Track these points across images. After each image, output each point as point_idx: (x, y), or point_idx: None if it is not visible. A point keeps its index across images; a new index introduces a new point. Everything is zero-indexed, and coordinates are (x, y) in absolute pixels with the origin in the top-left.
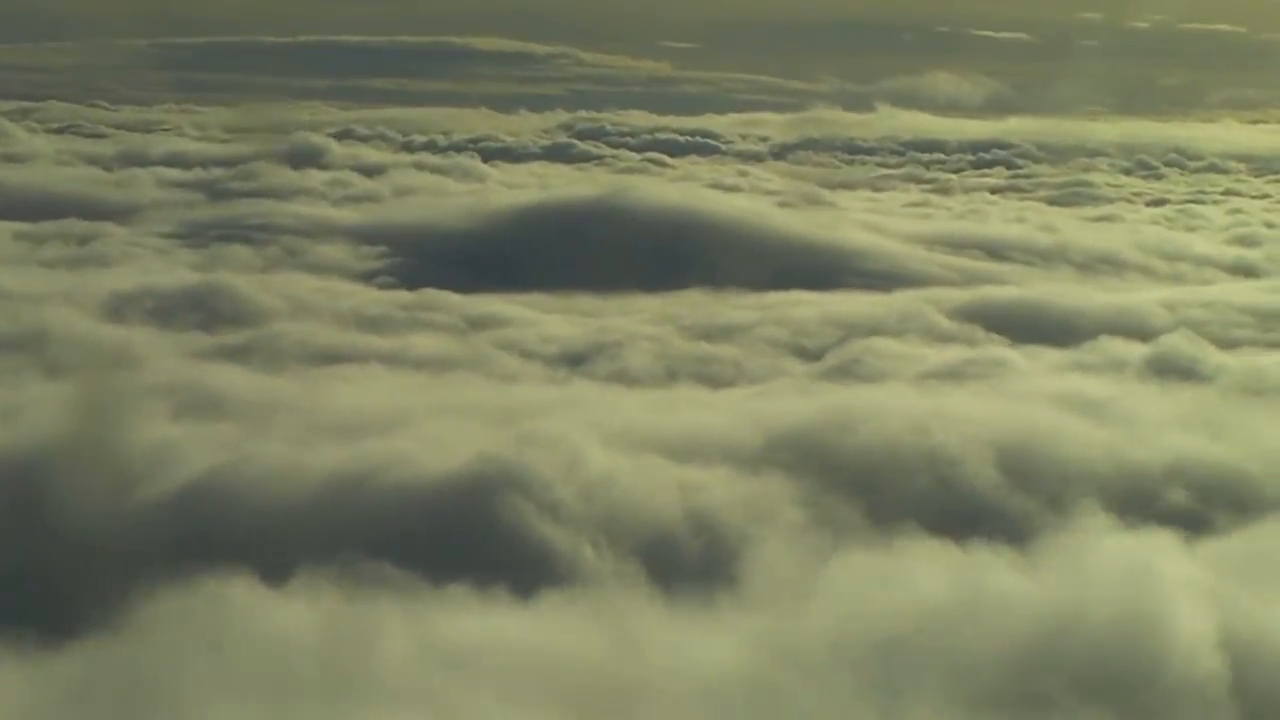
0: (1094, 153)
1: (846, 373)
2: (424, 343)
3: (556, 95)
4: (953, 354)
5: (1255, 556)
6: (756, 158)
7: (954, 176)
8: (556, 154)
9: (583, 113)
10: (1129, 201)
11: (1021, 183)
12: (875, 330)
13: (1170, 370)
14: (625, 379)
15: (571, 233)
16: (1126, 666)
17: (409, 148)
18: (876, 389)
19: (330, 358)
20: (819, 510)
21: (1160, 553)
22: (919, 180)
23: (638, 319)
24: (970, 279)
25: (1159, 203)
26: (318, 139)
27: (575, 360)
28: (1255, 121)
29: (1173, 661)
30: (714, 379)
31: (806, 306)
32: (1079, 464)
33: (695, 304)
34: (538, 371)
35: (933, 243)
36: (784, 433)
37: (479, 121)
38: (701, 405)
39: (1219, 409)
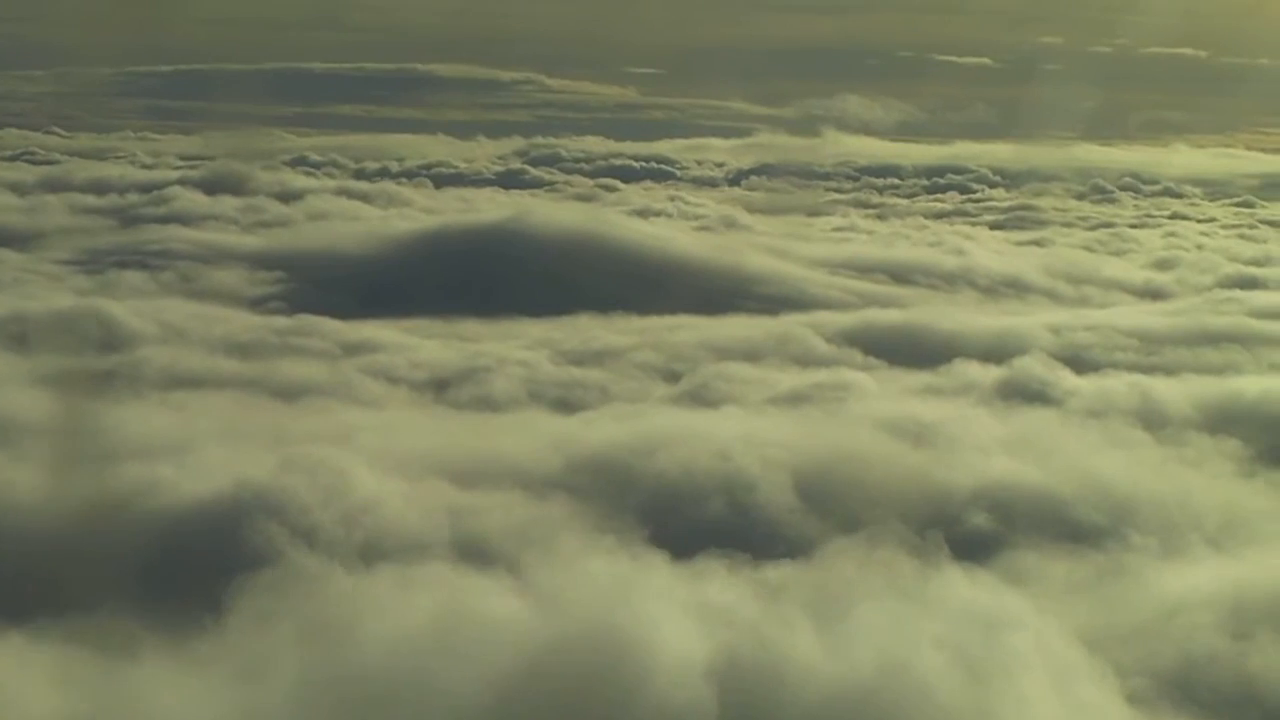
0: (1049, 177)
1: (697, 397)
2: (289, 369)
3: (522, 121)
4: (804, 378)
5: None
6: (711, 183)
7: (904, 201)
8: (509, 180)
9: (539, 139)
10: (1070, 226)
11: (970, 207)
12: (752, 354)
13: (1020, 393)
14: (488, 405)
15: (467, 258)
16: (603, 694)
17: (361, 174)
18: (706, 413)
19: (190, 383)
20: (593, 534)
21: (651, 573)
22: (867, 205)
23: (516, 344)
24: (868, 302)
25: (1106, 225)
26: (242, 166)
27: (441, 386)
28: (1222, 145)
29: (650, 689)
30: (575, 404)
31: (687, 331)
32: (880, 487)
33: (578, 329)
34: (402, 396)
35: (839, 267)
36: (587, 457)
37: (436, 148)
38: (522, 430)
39: (1052, 432)
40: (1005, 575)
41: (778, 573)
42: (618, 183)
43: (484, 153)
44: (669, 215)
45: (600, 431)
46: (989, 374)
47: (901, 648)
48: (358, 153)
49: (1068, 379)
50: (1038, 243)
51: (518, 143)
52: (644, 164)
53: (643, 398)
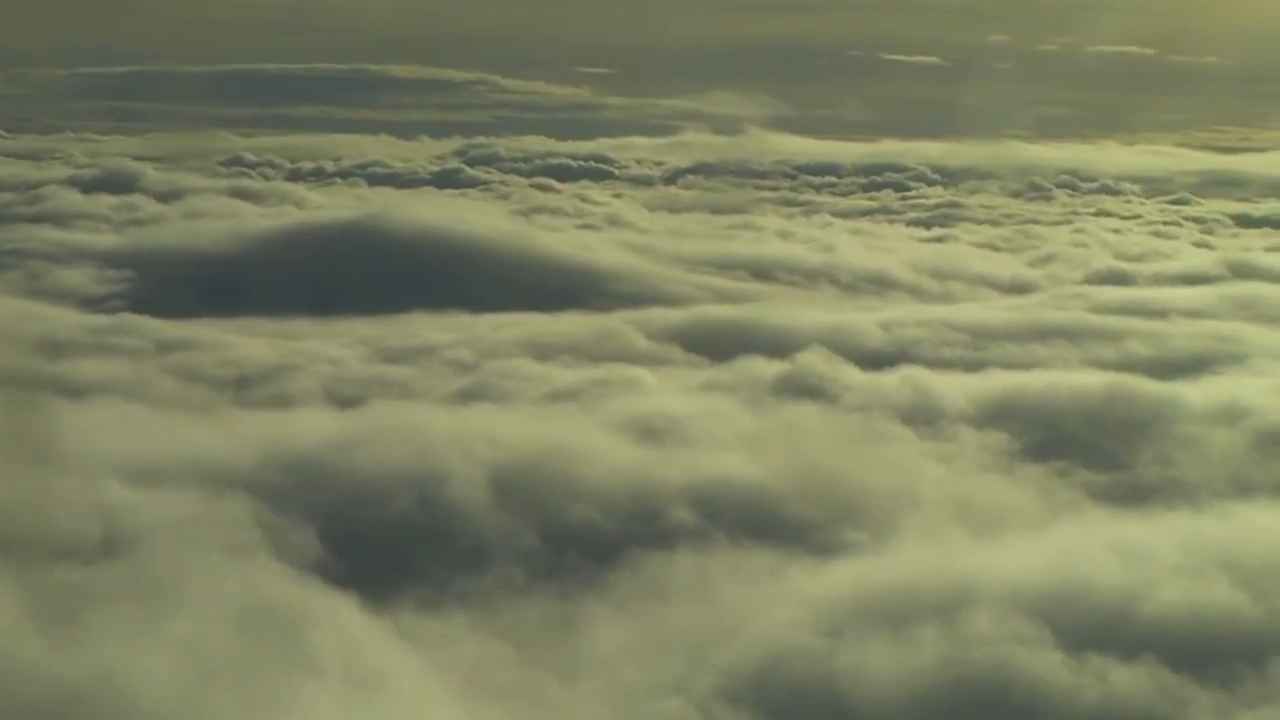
0: (987, 175)
1: (474, 394)
2: (90, 368)
3: (475, 122)
4: (587, 374)
5: None
6: (647, 182)
7: (831, 199)
8: (445, 180)
9: (480, 139)
10: (990, 224)
11: (897, 204)
12: (567, 351)
13: (796, 389)
14: (281, 403)
15: (317, 256)
16: None
17: (297, 174)
18: (444, 409)
19: None
20: (250, 531)
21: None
22: (793, 203)
23: (338, 342)
24: (721, 298)
25: (1032, 222)
26: (133, 164)
27: (242, 384)
28: (1168, 143)
29: None
30: (365, 400)
31: (514, 328)
32: (593, 484)
33: (407, 326)
34: (199, 395)
35: (702, 265)
36: (289, 454)
37: (376, 148)
38: (256, 425)
39: (810, 427)
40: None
41: None
42: (554, 182)
43: (425, 153)
44: (565, 214)
45: (317, 427)
46: (771, 369)
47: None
48: (297, 153)
49: (848, 374)
50: (939, 239)
51: (458, 143)
52: (582, 163)
53: (436, 394)
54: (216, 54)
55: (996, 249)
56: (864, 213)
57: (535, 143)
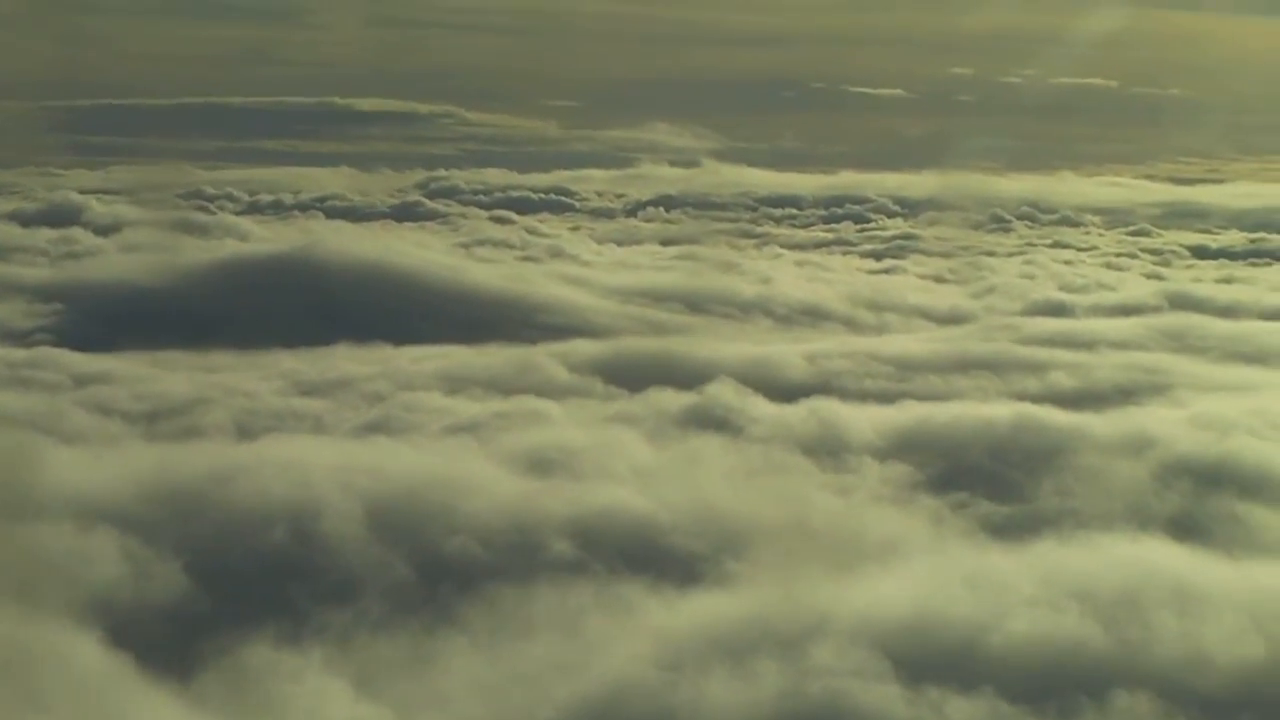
0: (948, 206)
1: (378, 427)
2: (7, 401)
3: (443, 154)
4: (490, 406)
5: None
6: (609, 215)
7: (786, 231)
8: (404, 213)
9: (441, 171)
10: (943, 255)
11: (853, 236)
12: (490, 382)
13: (703, 421)
14: (191, 435)
15: (249, 289)
16: None
17: (255, 208)
18: (339, 443)
19: None
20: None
21: None
22: (750, 235)
23: (256, 375)
24: (652, 330)
25: (987, 254)
26: (78, 197)
27: (154, 418)
28: (1131, 175)
29: None
30: (269, 433)
31: (435, 360)
32: (474, 517)
33: (329, 359)
34: (111, 429)
35: (636, 296)
36: (164, 487)
37: (337, 181)
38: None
39: (710, 459)
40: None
41: None
42: (513, 215)
43: (386, 186)
44: (510, 246)
45: (204, 460)
46: (680, 401)
47: None
48: (257, 186)
49: (756, 406)
50: (890, 271)
51: (419, 175)
52: (543, 196)
53: (343, 426)
54: (183, 87)
55: (943, 281)
56: (819, 244)
57: (496, 176)
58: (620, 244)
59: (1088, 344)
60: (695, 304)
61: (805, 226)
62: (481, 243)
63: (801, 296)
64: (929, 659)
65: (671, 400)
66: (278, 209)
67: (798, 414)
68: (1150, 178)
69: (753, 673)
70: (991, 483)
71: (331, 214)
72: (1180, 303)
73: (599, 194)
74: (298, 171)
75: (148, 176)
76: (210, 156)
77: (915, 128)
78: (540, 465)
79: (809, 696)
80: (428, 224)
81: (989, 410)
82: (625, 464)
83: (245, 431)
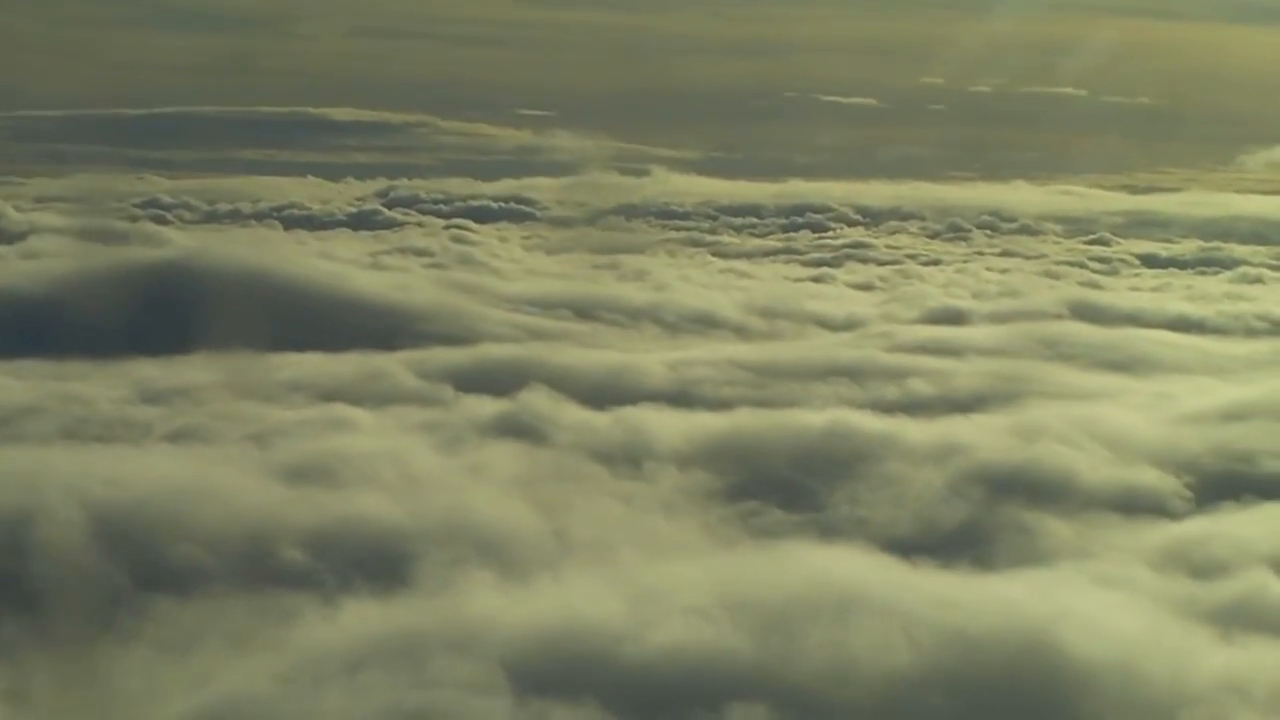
0: (909, 215)
1: (181, 435)
2: None
3: (416, 164)
4: (303, 414)
5: None
6: (568, 223)
7: (735, 239)
8: (361, 221)
9: (402, 180)
10: (885, 263)
11: (801, 245)
12: (333, 391)
13: (513, 428)
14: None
15: (123, 296)
16: None
17: (214, 216)
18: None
19: None
20: None
21: None
22: (700, 243)
23: (108, 383)
24: (532, 336)
25: (934, 263)
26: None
27: None
28: (1093, 185)
29: None
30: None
31: (290, 368)
32: (207, 525)
33: (185, 366)
34: None
35: (526, 303)
36: None
37: (301, 189)
38: None
39: (496, 468)
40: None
41: None
42: (471, 223)
43: (349, 194)
44: (432, 254)
45: None
46: (493, 408)
47: None
48: (218, 195)
49: (569, 413)
50: (819, 279)
51: (381, 184)
52: (503, 205)
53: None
54: (158, 97)
55: (869, 289)
56: (768, 253)
57: (458, 185)
58: (576, 253)
59: (958, 351)
60: (584, 311)
61: (764, 235)
62: (403, 251)
63: (696, 304)
64: (554, 670)
65: (487, 407)
66: (235, 218)
67: (605, 422)
68: (1115, 187)
69: (362, 686)
70: (787, 491)
71: (289, 223)
72: (1079, 310)
73: (560, 203)
74: (262, 181)
75: (105, 185)
76: (183, 165)
77: (885, 137)
78: (307, 474)
79: (408, 710)
80: (383, 233)
81: (804, 417)
82: (401, 472)
83: (73, 439)
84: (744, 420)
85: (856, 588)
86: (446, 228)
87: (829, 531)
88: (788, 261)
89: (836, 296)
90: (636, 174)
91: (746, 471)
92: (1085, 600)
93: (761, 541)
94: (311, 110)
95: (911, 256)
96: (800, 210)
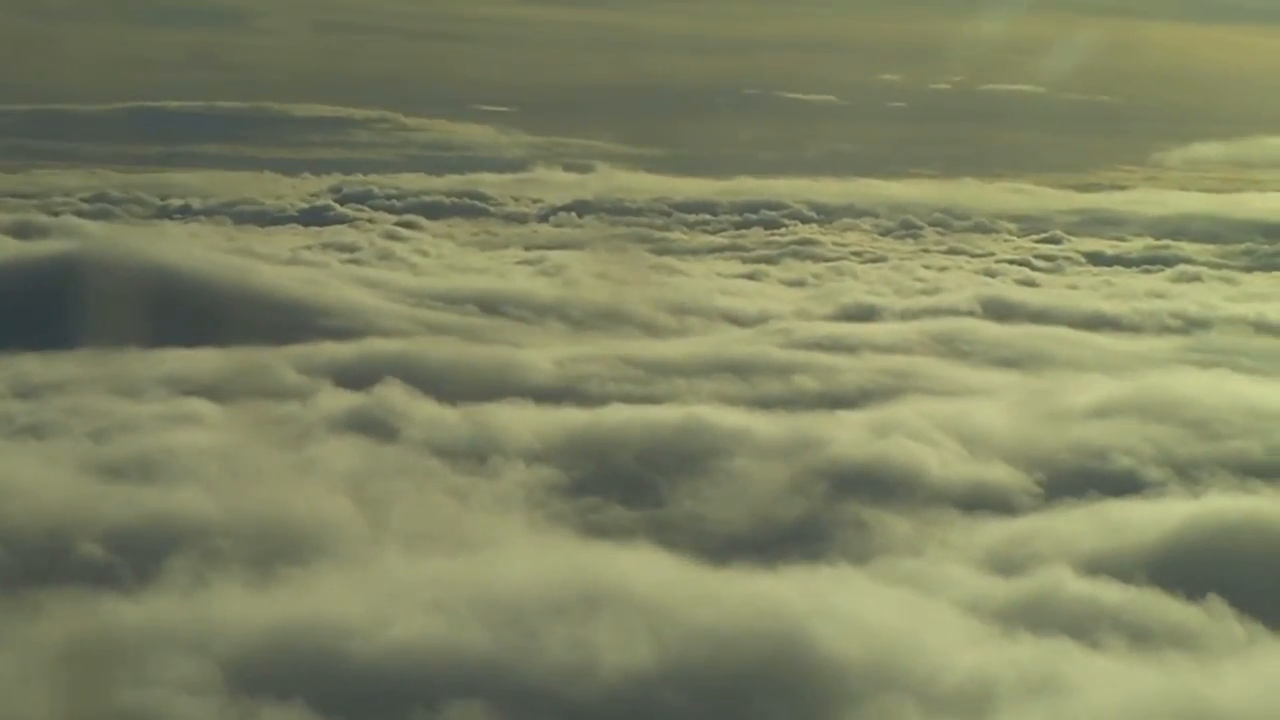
0: (863, 213)
1: (31, 430)
2: None
3: (377, 159)
4: (157, 409)
5: None
6: (521, 220)
7: (685, 237)
8: (312, 217)
9: (357, 176)
10: (817, 260)
11: (747, 243)
12: (203, 388)
13: (362, 423)
14: None
15: (13, 289)
16: None
17: (164, 212)
18: None
19: None
20: None
21: None
22: (647, 240)
23: None
24: (435, 331)
25: (878, 260)
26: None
27: None
28: (1065, 182)
29: None
30: None
31: (171, 363)
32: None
33: (66, 362)
34: None
35: (431, 299)
36: None
37: (256, 184)
38: None
39: (330, 463)
40: None
41: None
42: (422, 219)
43: (304, 189)
44: (358, 249)
45: None
46: (347, 401)
47: None
48: (170, 190)
49: (421, 409)
50: (752, 276)
51: (336, 179)
52: (456, 200)
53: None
54: (119, 92)
55: (801, 285)
56: (715, 249)
57: (413, 180)
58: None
59: (853, 348)
60: (491, 307)
61: (716, 232)
62: (329, 246)
63: (603, 300)
64: (274, 669)
65: (344, 402)
66: (185, 214)
67: (456, 417)
68: (1069, 185)
69: (76, 683)
70: (630, 487)
71: (239, 218)
72: (993, 308)
73: (515, 199)
74: (216, 176)
75: (60, 180)
76: (140, 161)
77: (845, 134)
78: (130, 469)
79: (106, 709)
80: (335, 227)
81: (661, 414)
82: (228, 468)
83: None
84: (601, 416)
85: (619, 585)
86: (397, 223)
87: (663, 528)
88: (730, 258)
89: (758, 293)
90: (595, 170)
91: (594, 467)
92: (859, 598)
93: (591, 538)
94: (273, 106)
95: (857, 254)
96: (754, 207)
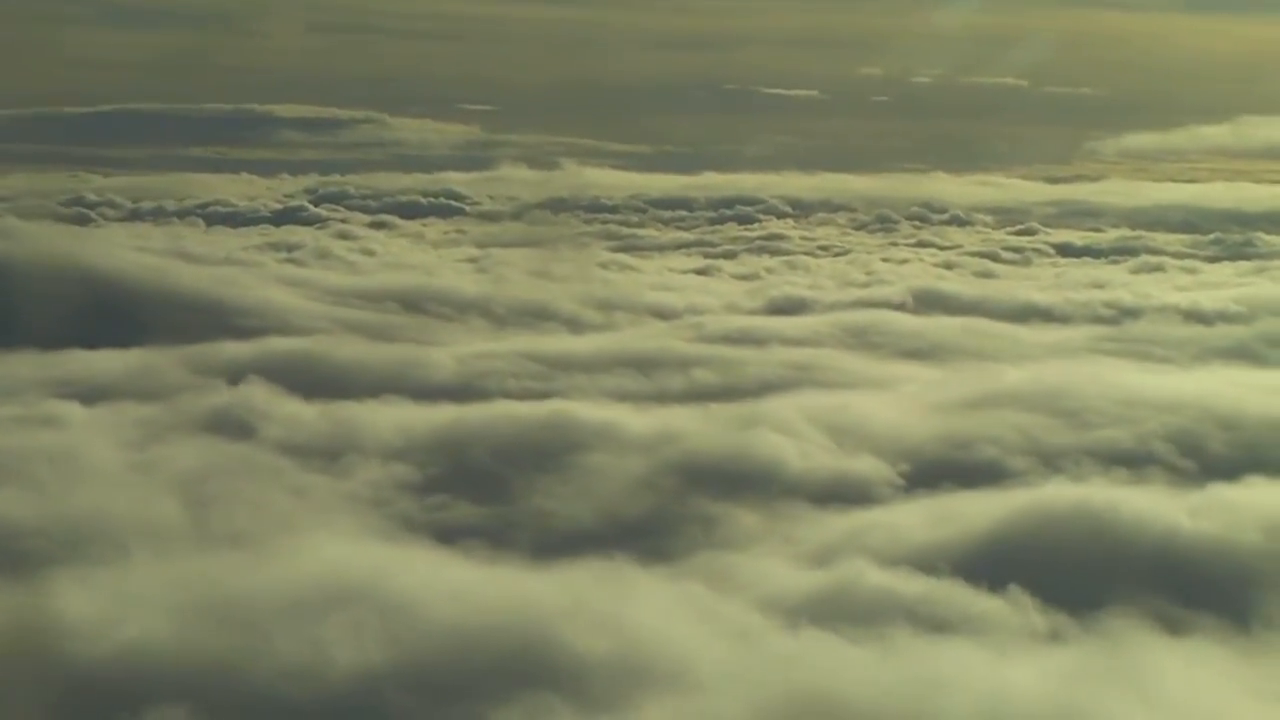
0: (839, 207)
1: None
2: None
3: (353, 160)
4: (9, 411)
5: None
6: (494, 218)
7: (654, 233)
8: (285, 217)
9: (335, 176)
10: (775, 253)
11: (715, 238)
12: (77, 391)
13: (221, 423)
14: None
15: None
16: None
17: (138, 214)
18: None
19: None
20: None
21: None
22: (616, 237)
23: None
24: (350, 329)
25: (842, 252)
26: None
27: None
28: (1043, 175)
29: None
30: None
31: (66, 365)
32: None
33: None
34: None
35: (353, 297)
36: None
37: (234, 186)
38: None
39: (171, 463)
40: None
41: None
42: (397, 219)
43: (279, 190)
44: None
45: None
46: (208, 401)
47: None
48: (145, 193)
49: (283, 407)
50: (704, 271)
51: (312, 180)
52: (432, 200)
53: None
54: (103, 94)
55: (757, 278)
56: (682, 245)
57: (390, 180)
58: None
59: (762, 341)
60: (413, 304)
61: (691, 228)
62: (275, 246)
63: (527, 296)
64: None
65: (209, 401)
66: (158, 215)
67: (316, 415)
68: (1048, 177)
69: None
70: (484, 484)
71: (213, 220)
72: (925, 299)
73: (491, 197)
74: (193, 178)
75: (40, 183)
76: (123, 163)
77: (826, 129)
78: None
79: None
80: (311, 228)
81: (526, 409)
82: (66, 469)
83: None
84: (466, 414)
85: (374, 584)
86: (370, 223)
87: (506, 526)
88: (693, 254)
89: (698, 288)
90: (561, 168)
91: (450, 465)
92: (635, 594)
93: (429, 537)
94: (257, 107)
95: (824, 248)
96: (730, 203)
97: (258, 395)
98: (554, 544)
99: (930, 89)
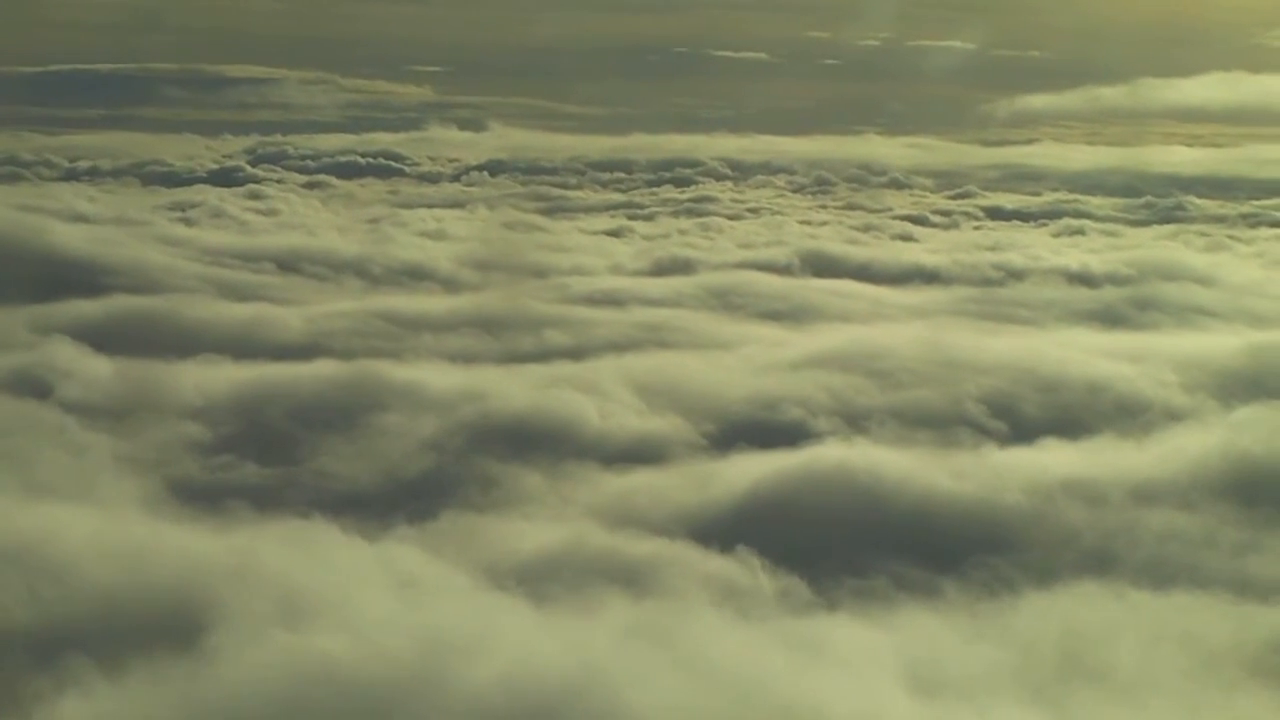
0: (779, 170)
1: None
2: None
3: (322, 120)
4: None
5: None
6: (434, 179)
7: (580, 194)
8: (221, 178)
9: (277, 136)
10: (735, 218)
11: (646, 200)
12: None
13: (22, 382)
14: None
15: None
16: None
17: (73, 174)
18: None
19: None
20: None
21: None
22: (544, 198)
23: None
24: (222, 290)
25: (752, 212)
26: None
27: None
28: (987, 139)
29: None
30: None
31: None
32: None
33: None
34: None
35: (230, 256)
36: None
37: (175, 146)
38: None
39: None
40: None
41: None
42: (334, 179)
43: (219, 150)
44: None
45: None
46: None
47: None
48: (81, 152)
49: (90, 366)
50: (616, 232)
51: (252, 140)
52: (371, 160)
53: None
54: (53, 54)
55: (666, 239)
56: (610, 207)
57: (332, 140)
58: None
59: (622, 302)
60: (289, 265)
61: (629, 190)
62: (176, 206)
63: (408, 257)
64: None
65: (11, 361)
66: (94, 175)
67: (113, 374)
68: (986, 141)
69: None
70: (274, 445)
71: (148, 179)
72: (811, 261)
73: (431, 159)
74: (134, 137)
75: None
76: (71, 123)
77: (773, 91)
78: None
79: None
80: (240, 189)
81: (329, 369)
82: None
83: None
84: (270, 372)
85: (38, 543)
86: (306, 184)
87: (288, 486)
88: (618, 215)
89: (591, 249)
90: (506, 130)
91: (244, 425)
92: (311, 555)
93: (205, 498)
94: (208, 68)
95: (754, 210)
96: (670, 165)
97: (63, 354)
98: (327, 504)
99: (877, 52)
